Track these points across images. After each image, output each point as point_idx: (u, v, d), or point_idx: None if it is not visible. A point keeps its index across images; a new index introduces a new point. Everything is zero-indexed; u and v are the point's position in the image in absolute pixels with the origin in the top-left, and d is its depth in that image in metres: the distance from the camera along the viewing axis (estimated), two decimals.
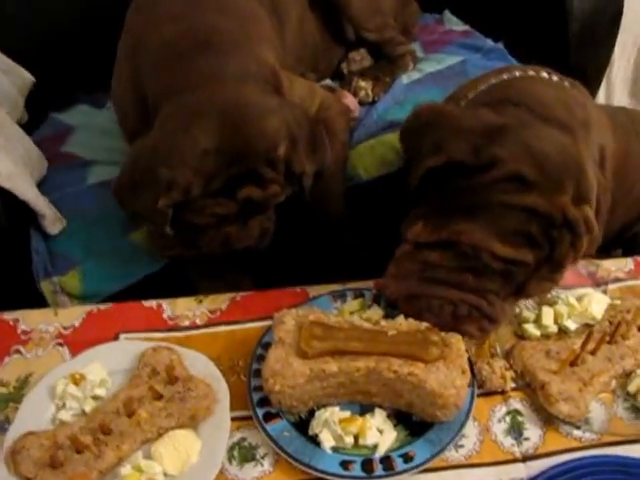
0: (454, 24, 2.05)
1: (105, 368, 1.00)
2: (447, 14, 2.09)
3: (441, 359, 0.92)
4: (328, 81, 1.80)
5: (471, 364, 0.98)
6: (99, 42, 1.64)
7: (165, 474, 0.87)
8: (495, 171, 0.91)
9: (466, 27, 2.01)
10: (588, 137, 1.04)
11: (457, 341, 0.95)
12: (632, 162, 1.29)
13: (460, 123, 0.98)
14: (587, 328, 1.06)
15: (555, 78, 1.14)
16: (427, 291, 0.99)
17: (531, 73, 1.15)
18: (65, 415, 0.95)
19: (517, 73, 1.15)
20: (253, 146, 1.08)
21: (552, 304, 1.09)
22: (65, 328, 1.10)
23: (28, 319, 1.12)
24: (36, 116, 1.68)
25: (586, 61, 1.91)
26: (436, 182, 0.97)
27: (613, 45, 2.00)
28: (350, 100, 1.63)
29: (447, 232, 0.94)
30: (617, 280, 1.16)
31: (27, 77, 1.66)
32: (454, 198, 0.95)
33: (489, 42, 1.90)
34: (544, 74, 1.15)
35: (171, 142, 1.07)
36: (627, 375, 1.00)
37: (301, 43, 1.63)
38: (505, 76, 1.15)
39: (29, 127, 1.60)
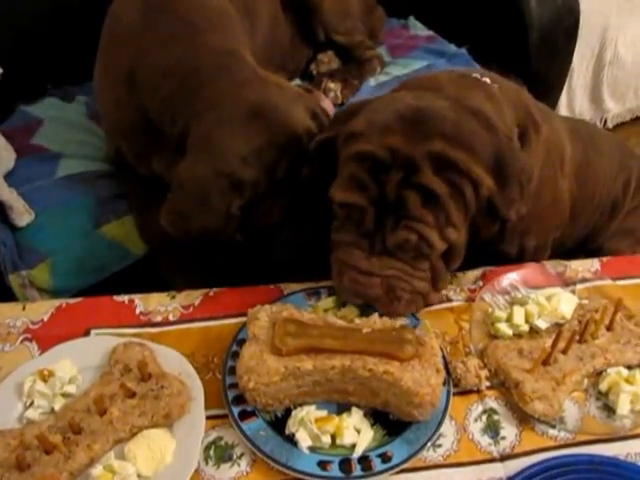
0: (419, 29, 2.08)
1: (75, 365, 0.95)
2: (412, 20, 2.13)
3: (416, 357, 0.89)
4: (297, 81, 1.78)
5: (446, 363, 0.96)
6: (68, 36, 1.62)
7: (139, 475, 0.82)
8: (340, 137, 0.98)
9: (430, 32, 2.03)
10: (469, 100, 1.02)
11: (431, 340, 0.92)
12: (592, 170, 1.29)
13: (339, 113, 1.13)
14: (557, 327, 1.04)
15: (486, 79, 1.12)
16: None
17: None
18: (33, 414, 0.89)
19: None
20: (295, 131, 1.11)
21: (523, 304, 1.07)
22: (33, 323, 1.04)
23: None
24: (4, 108, 1.63)
25: (547, 68, 1.97)
26: None
27: (571, 53, 2.05)
28: (327, 103, 1.60)
29: None
30: (584, 280, 1.15)
31: None
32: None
33: (453, 47, 1.92)
34: (475, 74, 1.14)
35: (225, 151, 1.08)
36: (598, 374, 0.99)
37: (272, 43, 1.61)
38: None
39: None
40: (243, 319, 1.00)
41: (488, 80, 1.10)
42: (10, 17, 1.65)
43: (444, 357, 0.96)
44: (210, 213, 1.09)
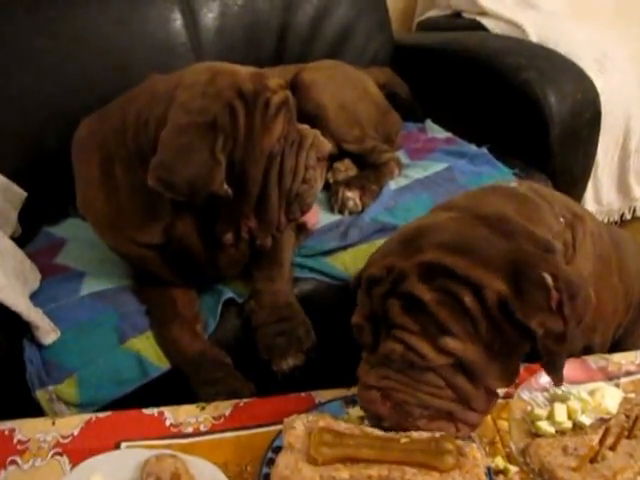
0: (436, 132, 2.12)
1: (107, 478, 0.96)
2: (429, 122, 2.18)
3: (457, 468, 0.89)
4: None
5: (490, 473, 0.95)
6: None
7: None
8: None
9: (449, 134, 2.08)
10: (483, 208, 1.04)
11: (472, 450, 0.92)
12: (625, 266, 1.31)
13: None
14: (603, 422, 1.04)
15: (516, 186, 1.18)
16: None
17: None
18: None
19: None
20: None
21: (564, 400, 1.07)
22: (64, 437, 1.07)
23: (25, 428, 1.09)
24: (29, 229, 1.72)
25: (570, 162, 1.97)
26: None
27: (595, 146, 2.06)
28: (311, 216, 1.60)
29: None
30: (629, 373, 1.15)
31: (19, 192, 1.70)
32: None
33: (473, 147, 1.96)
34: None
35: (193, 106, 1.23)
36: None
37: None
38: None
39: (23, 240, 1.64)
40: (275, 427, 1.02)
41: (523, 189, 1.15)
42: (31, 146, 1.79)
43: (489, 469, 0.95)
44: (191, 163, 1.20)
